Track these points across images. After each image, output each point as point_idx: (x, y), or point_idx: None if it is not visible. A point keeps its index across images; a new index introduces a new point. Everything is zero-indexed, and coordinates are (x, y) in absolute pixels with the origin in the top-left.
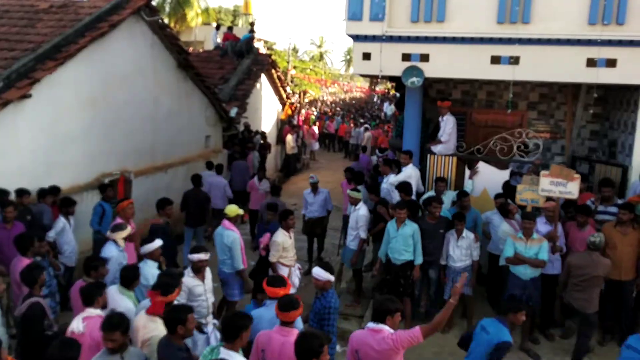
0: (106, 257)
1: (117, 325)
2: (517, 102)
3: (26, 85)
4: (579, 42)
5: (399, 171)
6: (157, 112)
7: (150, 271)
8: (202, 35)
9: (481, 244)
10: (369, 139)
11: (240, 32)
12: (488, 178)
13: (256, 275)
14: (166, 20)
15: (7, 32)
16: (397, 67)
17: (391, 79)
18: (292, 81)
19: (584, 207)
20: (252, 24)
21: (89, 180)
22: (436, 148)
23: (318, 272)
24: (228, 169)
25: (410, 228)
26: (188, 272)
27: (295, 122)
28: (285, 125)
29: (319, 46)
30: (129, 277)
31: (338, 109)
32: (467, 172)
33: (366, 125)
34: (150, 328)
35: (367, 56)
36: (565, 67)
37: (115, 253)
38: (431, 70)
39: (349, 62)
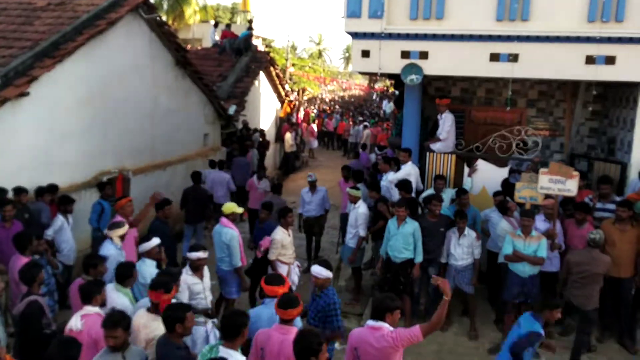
0: (104, 255)
1: (118, 322)
2: (516, 99)
3: (24, 83)
4: (578, 39)
5: (398, 169)
6: (155, 110)
7: (147, 270)
8: (200, 32)
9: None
10: (368, 136)
11: (239, 29)
12: (487, 176)
13: (251, 275)
14: (164, 18)
15: (4, 29)
16: (396, 65)
17: (390, 76)
18: (290, 79)
19: (582, 204)
20: (250, 22)
21: (87, 179)
22: (435, 146)
23: (318, 269)
24: (228, 167)
25: (411, 226)
26: (187, 270)
27: (294, 120)
28: (284, 123)
29: (318, 43)
30: (124, 274)
31: (337, 106)
32: (466, 169)
33: (365, 123)
34: (153, 327)
35: (366, 54)
36: (565, 65)
37: (114, 251)
38: (430, 67)
39: (347, 59)
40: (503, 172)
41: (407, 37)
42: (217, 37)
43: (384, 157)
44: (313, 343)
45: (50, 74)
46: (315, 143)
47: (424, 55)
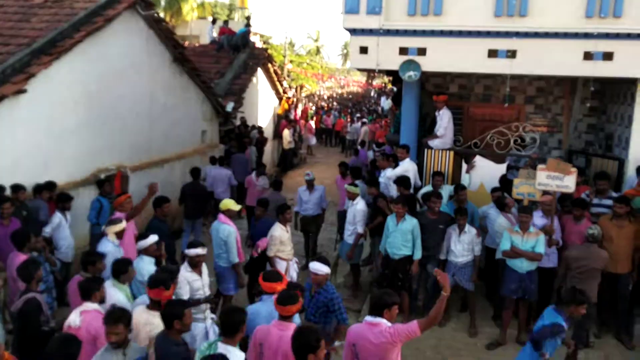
0: (102, 252)
1: (120, 319)
2: (514, 95)
3: (21, 80)
4: (576, 35)
5: (396, 165)
6: (152, 107)
7: (145, 267)
8: (197, 29)
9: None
10: (366, 133)
11: (236, 26)
12: (485, 172)
13: (249, 272)
14: (162, 15)
15: (1, 26)
16: (394, 61)
17: (388, 72)
18: (288, 75)
19: (580, 200)
20: (248, 18)
21: (85, 176)
22: (433, 142)
23: (318, 266)
24: (227, 164)
25: (410, 223)
26: (185, 266)
27: (292, 117)
28: (282, 120)
29: (316, 40)
30: (118, 270)
31: (335, 103)
32: (464, 166)
33: (364, 120)
34: (155, 324)
35: (364, 50)
36: (563, 61)
37: (111, 248)
38: (428, 64)
39: (345, 56)
40: (501, 169)
41: (405, 33)
42: (215, 34)
43: (383, 154)
44: (311, 339)
45: (48, 71)
46: (313, 140)
47: (422, 51)
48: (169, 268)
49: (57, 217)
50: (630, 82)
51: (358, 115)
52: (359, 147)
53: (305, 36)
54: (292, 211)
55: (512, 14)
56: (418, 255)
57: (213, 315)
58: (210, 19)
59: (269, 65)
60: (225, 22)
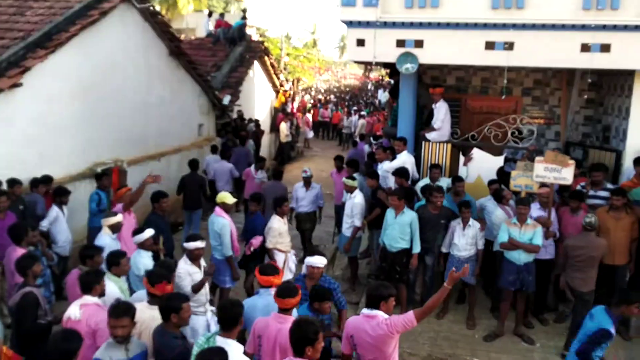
0: (100, 245)
1: (126, 311)
2: (511, 88)
3: (17, 74)
4: (574, 27)
5: (393, 158)
6: (149, 101)
7: (142, 261)
8: (193, 22)
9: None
10: (363, 126)
11: (233, 19)
12: (482, 164)
13: (244, 267)
14: (157, 7)
15: None
16: (391, 54)
17: (385, 65)
18: (285, 68)
19: (577, 192)
20: (244, 11)
21: (81, 170)
22: (430, 135)
23: (317, 260)
24: (228, 157)
25: (409, 216)
26: (185, 260)
27: (289, 110)
28: (279, 113)
29: (312, 32)
30: (110, 262)
31: (332, 96)
32: (462, 158)
33: (362, 113)
34: (159, 319)
35: (361, 42)
36: (560, 53)
37: (109, 241)
38: (425, 56)
39: (342, 49)
40: (498, 161)
41: (403, 25)
42: (211, 27)
43: (381, 147)
44: (309, 332)
45: (43, 64)
46: (310, 133)
47: (419, 43)
48: (167, 262)
49: (54, 211)
50: (627, 74)
51: (355, 108)
52: (357, 139)
53: (302, 29)
54: (288, 203)
55: (510, 6)
56: (417, 249)
57: (213, 308)
58: (206, 11)
59: (266, 58)
60: (222, 15)
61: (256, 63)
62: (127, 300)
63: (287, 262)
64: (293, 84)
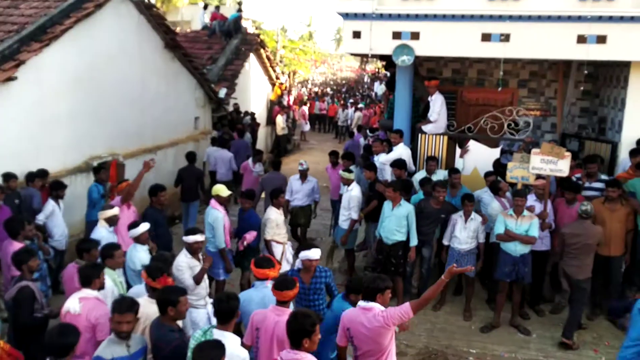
0: (96, 239)
1: (130, 307)
2: (507, 80)
3: (11, 67)
4: (570, 18)
5: (389, 150)
6: (144, 94)
7: (137, 255)
8: (189, 14)
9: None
10: (360, 118)
11: (228, 11)
12: (479, 156)
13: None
14: (152, 0)
15: None
16: (387, 46)
17: (381, 57)
18: (281, 61)
19: (572, 184)
20: (239, 3)
21: (77, 164)
22: (426, 127)
23: (313, 253)
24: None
25: (405, 209)
26: (185, 253)
27: (285, 103)
28: (275, 106)
29: (308, 25)
30: (104, 255)
31: (328, 89)
32: (458, 150)
33: (359, 105)
34: None
35: (357, 34)
36: (556, 44)
37: (105, 234)
38: (422, 48)
39: (338, 41)
40: (495, 153)
41: (399, 17)
42: (207, 20)
43: (377, 139)
44: (306, 324)
45: (38, 57)
46: (307, 126)
47: (415, 35)
48: (164, 255)
49: (51, 205)
50: (623, 65)
51: (351, 101)
52: (354, 131)
53: (298, 21)
54: (284, 195)
55: None
56: (414, 242)
57: (212, 300)
58: (201, 4)
59: (262, 51)
60: (217, 7)
61: (252, 56)
62: (131, 296)
63: (284, 254)
64: (289, 77)
